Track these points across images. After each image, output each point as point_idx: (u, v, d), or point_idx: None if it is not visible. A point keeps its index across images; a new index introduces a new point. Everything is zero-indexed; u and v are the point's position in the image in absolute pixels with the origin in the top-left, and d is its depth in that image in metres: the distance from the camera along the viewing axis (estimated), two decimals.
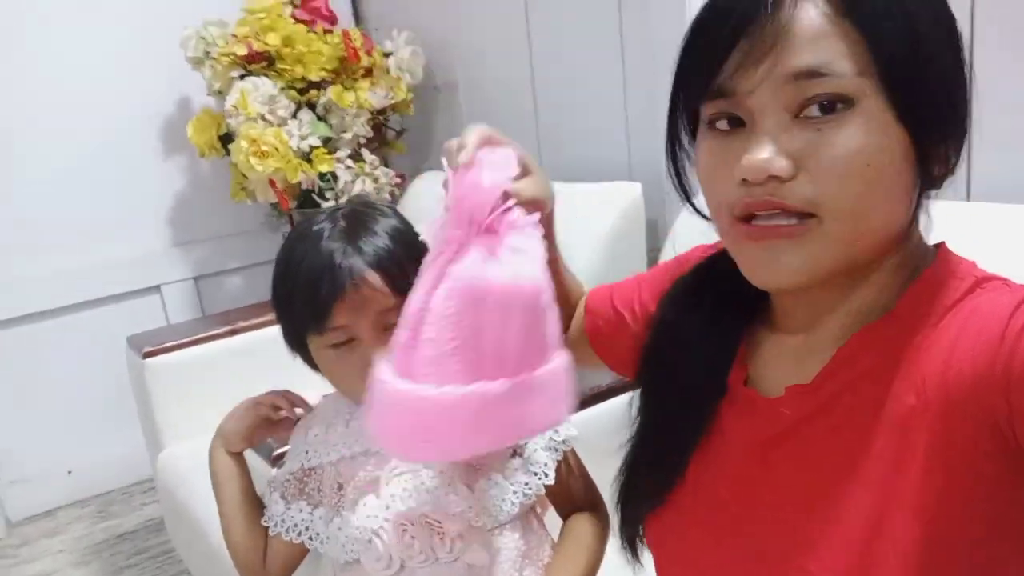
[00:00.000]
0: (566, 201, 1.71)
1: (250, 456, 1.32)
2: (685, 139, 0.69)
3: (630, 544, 0.80)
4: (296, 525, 0.93)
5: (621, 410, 1.28)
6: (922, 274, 0.63)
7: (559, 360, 0.69)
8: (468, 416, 0.64)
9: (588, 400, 1.31)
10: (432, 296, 0.66)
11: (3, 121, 2.27)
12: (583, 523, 0.95)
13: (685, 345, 0.75)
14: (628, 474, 0.80)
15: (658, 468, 0.76)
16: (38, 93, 2.30)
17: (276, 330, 1.91)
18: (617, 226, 1.65)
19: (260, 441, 1.00)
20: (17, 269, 2.34)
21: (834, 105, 0.57)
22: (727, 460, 0.72)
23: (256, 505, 0.98)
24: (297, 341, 0.90)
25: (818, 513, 0.63)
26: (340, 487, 0.90)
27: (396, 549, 0.86)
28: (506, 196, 0.68)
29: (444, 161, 0.72)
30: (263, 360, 1.92)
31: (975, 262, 0.65)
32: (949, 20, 0.61)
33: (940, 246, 0.66)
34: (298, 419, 0.98)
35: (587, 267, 1.64)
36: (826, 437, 0.64)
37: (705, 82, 0.61)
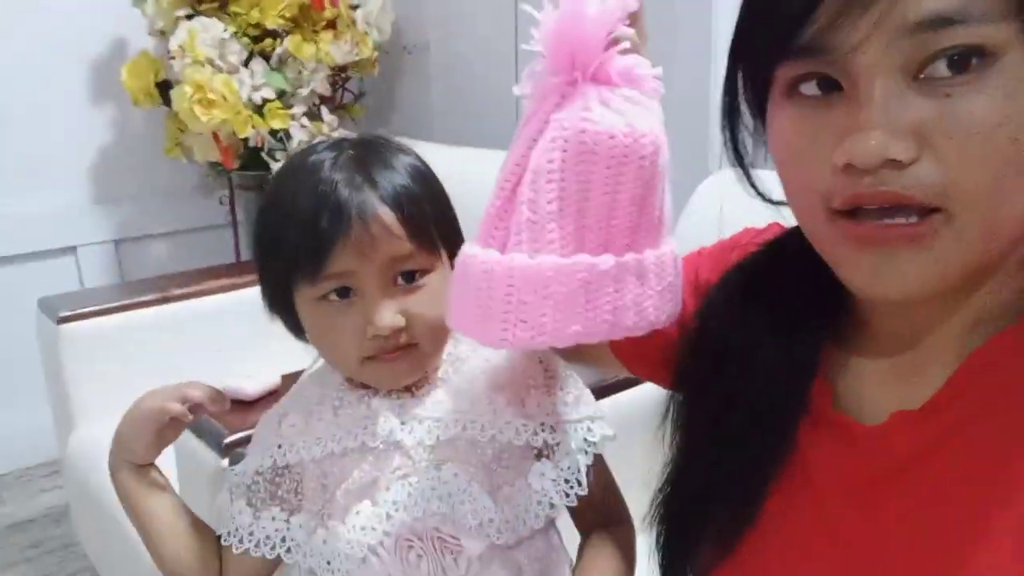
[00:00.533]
0: None
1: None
2: (746, 110, 0.54)
3: None
4: (269, 537, 0.73)
5: (632, 407, 1.15)
6: None
7: (670, 247, 0.59)
8: (563, 293, 0.54)
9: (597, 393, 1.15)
10: (532, 150, 0.55)
11: None
12: (609, 544, 0.77)
13: (749, 356, 0.60)
14: (675, 516, 0.65)
15: (721, 510, 0.60)
16: None
17: (211, 301, 1.75)
18: None
19: (173, 441, 0.78)
20: None
21: (968, 60, 0.43)
22: (815, 502, 0.56)
23: (194, 520, 0.78)
24: (281, 296, 0.71)
25: (946, 569, 0.49)
26: (326, 489, 0.72)
27: (398, 570, 0.69)
28: (615, 42, 0.54)
29: None
30: (191, 334, 1.73)
31: None
32: None
33: None
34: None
35: None
36: (950, 477, 0.50)
37: (788, 35, 0.46)
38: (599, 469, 0.78)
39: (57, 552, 1.95)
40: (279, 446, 0.74)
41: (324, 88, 2.02)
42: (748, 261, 0.64)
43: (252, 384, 1.15)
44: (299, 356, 0.99)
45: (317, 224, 0.65)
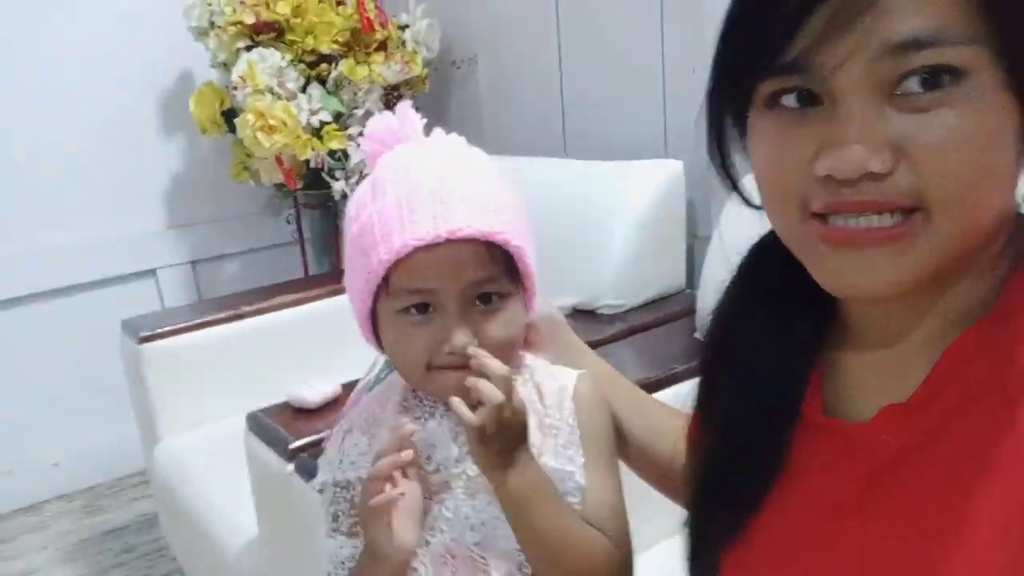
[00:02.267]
0: (599, 181, 1.62)
1: (259, 448, 1.20)
2: (730, 120, 0.56)
3: None
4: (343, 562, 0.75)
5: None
6: None
7: None
8: None
9: None
10: None
11: None
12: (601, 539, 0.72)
13: (743, 369, 0.63)
14: (700, 506, 0.68)
15: (731, 504, 0.63)
16: (34, 66, 2.17)
17: (280, 316, 1.83)
18: (656, 207, 1.54)
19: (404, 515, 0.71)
20: (4, 249, 2.21)
21: (940, 79, 0.46)
22: (811, 505, 0.59)
23: None
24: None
25: (933, 560, 0.50)
26: None
27: None
28: None
29: None
30: (267, 348, 1.82)
31: None
32: None
33: None
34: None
35: (622, 254, 1.54)
36: (940, 468, 0.51)
37: (772, 54, 0.49)
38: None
39: (149, 556, 2.07)
40: (340, 461, 0.76)
41: (378, 107, 2.10)
42: (741, 267, 0.66)
43: (313, 393, 1.22)
44: (360, 365, 1.05)
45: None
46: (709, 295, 1.35)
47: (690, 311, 1.47)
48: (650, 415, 0.81)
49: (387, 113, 0.74)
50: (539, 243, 1.73)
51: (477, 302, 0.68)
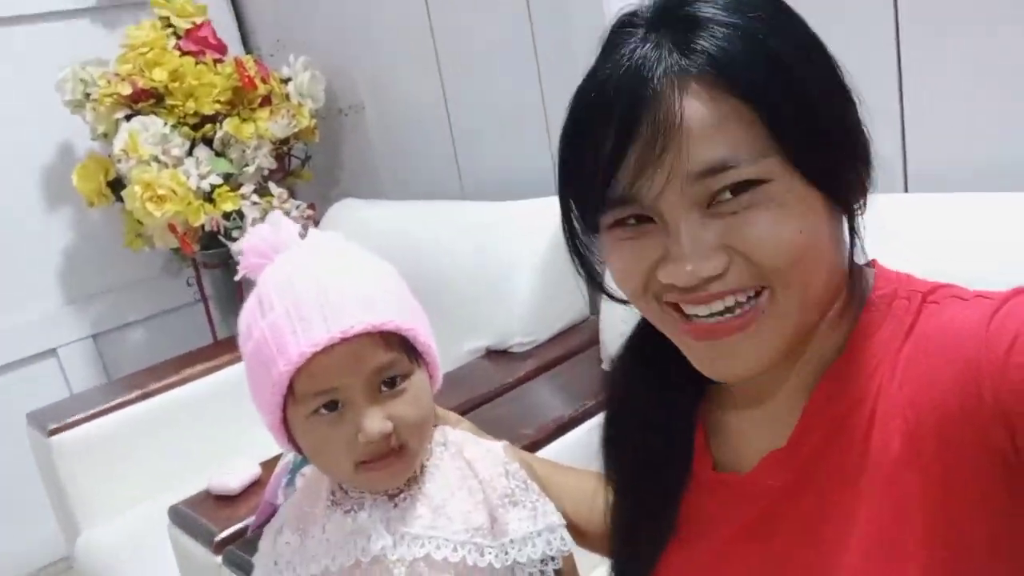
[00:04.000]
0: (495, 223, 1.66)
1: (185, 541, 1.19)
2: (584, 236, 0.63)
3: None
4: None
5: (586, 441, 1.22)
6: (866, 303, 0.60)
7: None
8: None
9: (553, 432, 1.23)
10: None
11: None
12: None
13: (640, 436, 0.70)
14: (616, 555, 0.74)
15: (638, 556, 0.70)
16: None
17: (190, 388, 1.81)
18: (555, 241, 1.58)
19: None
20: None
21: (745, 189, 0.53)
22: (710, 547, 0.65)
23: None
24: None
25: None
26: None
27: None
28: None
29: None
30: (178, 424, 1.79)
31: (909, 275, 0.62)
32: (815, 46, 0.57)
33: (874, 266, 0.63)
34: None
35: (528, 290, 1.58)
36: (819, 503, 0.59)
37: (600, 193, 0.56)
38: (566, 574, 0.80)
39: None
40: (275, 563, 0.78)
41: (269, 163, 2.09)
42: (627, 346, 0.72)
43: (234, 479, 1.22)
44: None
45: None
46: (609, 322, 1.41)
47: (595, 340, 1.52)
48: (567, 487, 0.84)
49: (261, 225, 0.77)
50: (446, 288, 1.77)
51: (382, 387, 0.71)
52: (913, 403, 0.54)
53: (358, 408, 0.70)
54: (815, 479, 0.59)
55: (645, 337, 0.70)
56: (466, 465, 0.77)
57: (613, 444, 0.74)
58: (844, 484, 0.56)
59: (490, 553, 0.73)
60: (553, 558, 0.75)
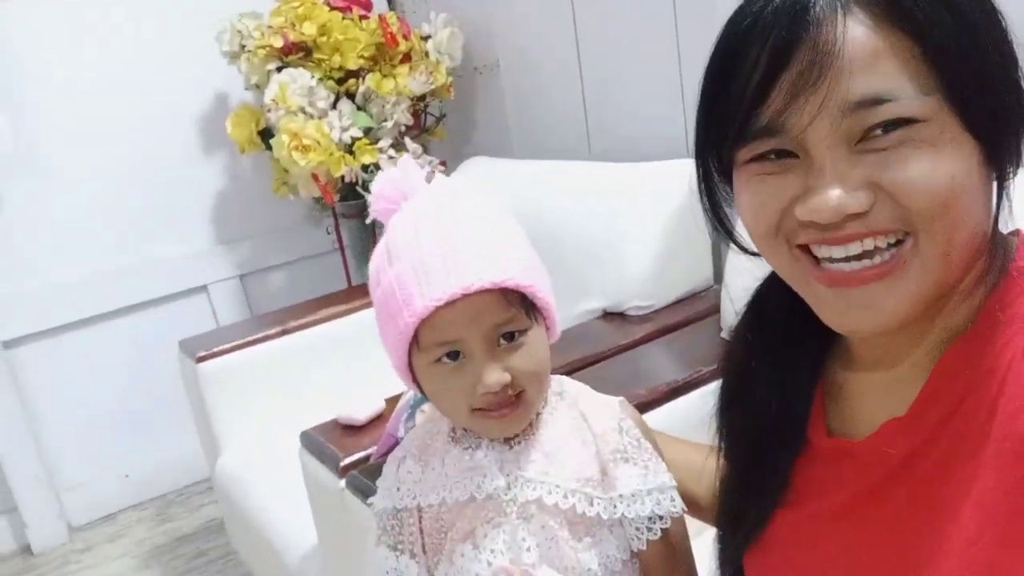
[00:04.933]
0: (622, 183, 1.67)
1: (314, 465, 1.28)
2: (717, 178, 0.62)
3: None
4: None
5: (697, 405, 1.23)
6: (1006, 273, 0.57)
7: None
8: None
9: (665, 395, 1.24)
10: None
11: (41, 127, 2.25)
12: None
13: (757, 401, 0.69)
14: (722, 522, 0.74)
15: (745, 522, 0.70)
16: (74, 96, 2.27)
17: (325, 328, 1.92)
18: (680, 206, 1.57)
19: None
20: (62, 275, 2.33)
21: (898, 127, 0.51)
22: (819, 514, 0.64)
23: None
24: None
25: (926, 554, 0.56)
26: (440, 532, 0.80)
27: None
28: None
29: None
30: (313, 360, 1.91)
31: None
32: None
33: (1019, 234, 0.59)
34: None
35: (648, 254, 1.58)
36: (938, 474, 0.56)
37: (743, 123, 0.54)
38: (674, 536, 0.79)
39: (218, 561, 2.19)
40: (397, 489, 0.82)
41: (406, 119, 2.16)
42: (751, 302, 0.72)
43: (361, 411, 1.29)
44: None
45: None
46: (733, 291, 1.39)
47: (716, 308, 1.51)
48: (677, 457, 0.83)
49: (391, 170, 0.79)
50: (566, 246, 1.78)
51: (501, 340, 0.73)
52: None
53: (477, 360, 0.72)
54: (934, 450, 0.57)
55: (768, 296, 0.69)
56: (580, 417, 0.79)
57: (728, 409, 0.74)
58: (964, 458, 0.54)
59: (599, 504, 0.74)
60: (661, 517, 0.76)
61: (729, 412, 0.74)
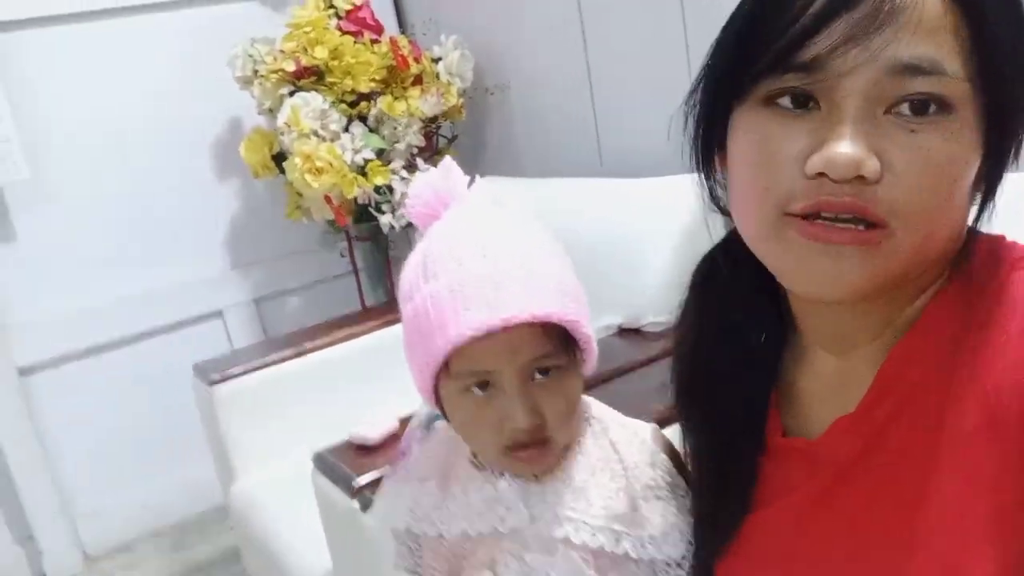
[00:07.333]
0: (636, 199, 1.65)
1: (326, 486, 1.27)
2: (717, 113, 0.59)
3: None
4: None
5: None
6: (964, 269, 0.56)
7: None
8: None
9: None
10: None
11: (55, 153, 2.26)
12: None
13: (712, 405, 0.69)
14: (695, 527, 0.73)
15: (715, 526, 0.69)
16: (88, 123, 2.29)
17: (339, 349, 1.91)
18: (694, 221, 1.55)
19: None
20: (77, 301, 2.34)
21: (928, 107, 0.49)
22: (782, 518, 0.64)
23: None
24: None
25: (889, 567, 0.55)
26: (456, 559, 0.77)
27: None
28: None
29: None
30: (330, 382, 1.91)
31: (1013, 242, 0.57)
32: None
33: (998, 241, 0.58)
34: None
35: (664, 270, 1.56)
36: (887, 473, 0.56)
37: (786, 51, 0.51)
38: None
39: None
40: (412, 510, 0.78)
41: (418, 140, 2.16)
42: (693, 283, 0.72)
43: (374, 431, 1.28)
44: (413, 391, 1.10)
45: None
46: None
47: None
48: None
49: (431, 171, 0.74)
50: (580, 263, 1.76)
51: (537, 375, 0.69)
52: (995, 377, 0.51)
53: (509, 394, 0.68)
54: (886, 447, 0.56)
55: (715, 277, 0.70)
56: (610, 447, 0.75)
57: (688, 408, 0.73)
58: (916, 454, 0.54)
59: (626, 541, 0.71)
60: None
61: (688, 412, 0.73)
